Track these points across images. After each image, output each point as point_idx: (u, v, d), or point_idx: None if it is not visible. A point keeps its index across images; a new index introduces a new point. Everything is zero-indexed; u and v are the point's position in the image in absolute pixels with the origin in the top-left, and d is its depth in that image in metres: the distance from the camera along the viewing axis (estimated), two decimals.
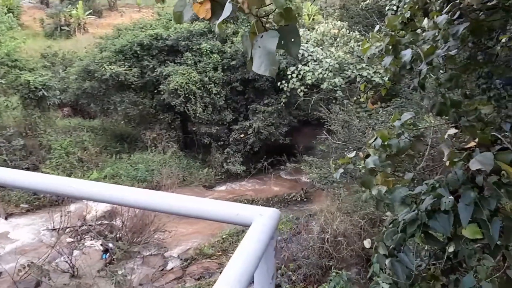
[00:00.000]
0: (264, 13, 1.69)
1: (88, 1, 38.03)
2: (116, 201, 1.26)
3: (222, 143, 16.97)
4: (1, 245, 11.53)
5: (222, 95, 16.52)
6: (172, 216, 10.81)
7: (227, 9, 1.53)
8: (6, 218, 13.00)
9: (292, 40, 1.64)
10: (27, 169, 13.70)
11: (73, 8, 33.59)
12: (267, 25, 1.67)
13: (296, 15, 17.28)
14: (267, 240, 1.03)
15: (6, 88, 16.34)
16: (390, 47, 3.30)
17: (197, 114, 15.95)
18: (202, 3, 1.70)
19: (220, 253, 11.39)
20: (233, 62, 16.48)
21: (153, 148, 16.80)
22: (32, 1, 40.30)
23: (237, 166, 16.24)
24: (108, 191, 1.25)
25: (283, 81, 14.14)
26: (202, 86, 16.08)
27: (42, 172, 14.05)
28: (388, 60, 3.26)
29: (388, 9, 14.91)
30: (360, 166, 2.87)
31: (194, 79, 15.87)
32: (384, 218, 7.58)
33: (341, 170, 2.91)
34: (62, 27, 31.87)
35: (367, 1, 17.86)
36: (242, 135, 16.49)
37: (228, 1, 1.54)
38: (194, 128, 17.58)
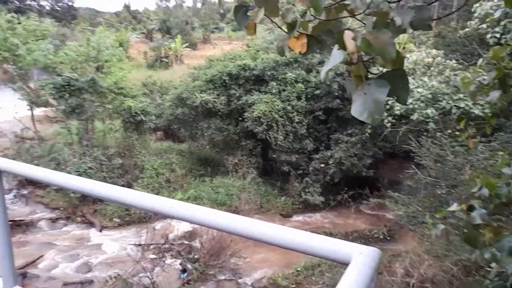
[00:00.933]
0: (369, 57, 1.58)
1: (186, 35, 41.67)
2: (212, 224, 1.28)
3: (301, 172, 16.75)
4: (94, 255, 12.64)
5: (304, 123, 16.46)
6: (247, 242, 10.80)
7: (336, 57, 1.45)
8: (100, 231, 14.29)
9: (401, 86, 1.50)
10: (123, 186, 15.02)
11: (172, 42, 37.08)
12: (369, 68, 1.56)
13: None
14: (368, 283, 0.94)
15: (111, 113, 18.40)
16: (497, 80, 2.91)
17: (278, 142, 16.06)
18: (299, 38, 1.71)
19: (294, 286, 10.99)
20: (317, 92, 16.43)
21: (234, 173, 17.25)
22: (139, 36, 45.54)
23: (315, 197, 15.81)
24: (205, 214, 1.28)
25: None
26: (284, 114, 16.24)
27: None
28: (495, 95, 2.88)
29: (491, 37, 13.64)
30: (459, 213, 2.49)
31: (277, 107, 16.12)
32: (482, 266, 6.61)
33: (441, 226, 2.56)
34: (162, 59, 35.30)
35: (466, 29, 16.60)
36: (322, 165, 16.09)
37: (335, 48, 1.47)
38: (274, 156, 17.71)
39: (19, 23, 18.29)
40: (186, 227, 13.57)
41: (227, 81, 17.62)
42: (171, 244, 12.54)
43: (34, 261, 12.00)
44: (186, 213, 1.31)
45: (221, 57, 20.51)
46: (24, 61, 17.17)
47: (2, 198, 1.76)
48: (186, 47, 37.92)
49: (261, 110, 15.85)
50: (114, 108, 17.76)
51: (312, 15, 1.75)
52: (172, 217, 1.40)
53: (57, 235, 14.01)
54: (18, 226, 13.98)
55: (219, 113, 17.59)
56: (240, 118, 17.47)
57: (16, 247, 12.45)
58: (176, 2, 74.39)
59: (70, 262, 12.17)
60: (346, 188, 15.60)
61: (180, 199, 15.43)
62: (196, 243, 12.33)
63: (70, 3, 63.51)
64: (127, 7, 66.34)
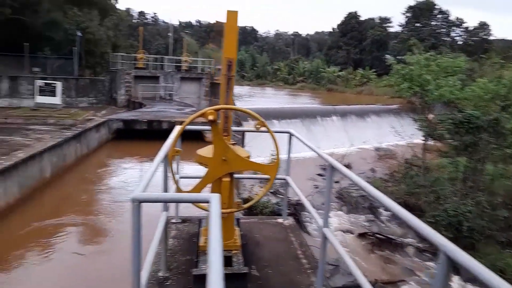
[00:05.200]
0: None
1: None
2: None
3: None
4: None
5: None
6: None
7: None
8: None
9: None
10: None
11: None
12: None
13: None
14: None
15: (507, 157, 16.27)
16: None
17: None
18: None
19: None
20: None
21: None
22: None
23: None
24: None
25: None
26: None
27: None
28: None
29: None
30: None
31: None
32: None
33: None
34: None
35: None
36: None
37: None
38: None
39: (434, 60, 19.69)
40: None
41: None
42: None
43: (394, 282, 12.76)
44: None
45: None
46: (430, 96, 18.36)
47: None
48: None
49: None
50: None
51: None
52: None
53: (420, 267, 14.17)
54: (389, 243, 15.34)
55: None
56: None
57: (382, 261, 13.76)
58: None
59: None
60: None
61: None
62: None
63: (484, 36, 61.86)
64: None
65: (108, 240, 7.80)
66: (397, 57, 25.72)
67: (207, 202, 1.99)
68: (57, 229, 7.97)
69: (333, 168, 2.77)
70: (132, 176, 12.37)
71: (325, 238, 2.83)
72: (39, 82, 16.99)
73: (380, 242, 14.88)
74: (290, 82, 68.53)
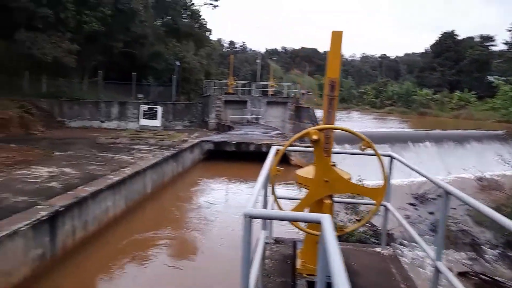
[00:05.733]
0: None
1: None
2: None
3: None
4: None
5: None
6: None
7: None
8: None
9: None
10: None
11: None
12: None
13: None
14: None
15: None
16: None
17: None
18: None
19: None
20: None
21: None
22: None
23: None
24: None
25: None
26: None
27: None
28: None
29: None
30: None
31: None
32: None
33: None
34: None
35: None
36: None
37: None
38: None
39: None
40: None
41: None
42: None
43: None
44: None
45: None
46: None
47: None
48: None
49: None
50: None
51: None
52: None
53: None
54: (496, 286, 13.44)
55: None
56: None
57: None
58: None
59: None
60: None
61: None
62: None
63: None
64: None
65: (199, 256, 8.15)
66: (503, 77, 23.19)
67: (318, 223, 1.95)
68: (154, 241, 8.57)
69: (448, 194, 2.53)
70: (220, 197, 12.91)
71: (438, 273, 2.57)
72: (143, 107, 18.88)
73: (484, 284, 13.14)
74: (378, 106, 65.98)
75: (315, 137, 2.76)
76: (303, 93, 28.80)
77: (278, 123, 26.53)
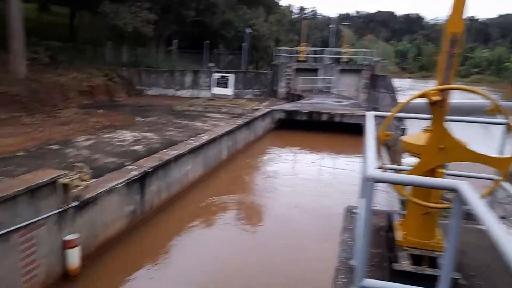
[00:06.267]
0: None
1: None
2: None
3: None
4: None
5: None
6: None
7: None
8: None
9: None
10: None
11: None
12: None
13: None
14: None
15: None
16: None
17: None
18: None
19: None
20: None
21: None
22: None
23: None
24: None
25: None
26: None
27: None
28: None
29: None
30: None
31: None
32: None
33: None
34: None
35: None
36: None
37: None
38: None
39: None
40: None
41: None
42: None
43: None
44: None
45: None
46: None
47: None
48: None
49: None
50: None
51: None
52: None
53: None
54: None
55: None
56: None
57: None
58: None
59: None
60: None
61: None
62: None
63: None
64: None
65: (265, 220, 8.26)
66: None
67: (454, 190, 1.69)
68: (226, 206, 8.82)
69: None
70: (288, 167, 12.86)
71: None
72: (216, 75, 19.15)
73: None
74: (462, 75, 60.20)
75: (435, 97, 2.43)
76: (377, 61, 27.04)
77: (351, 92, 25.39)
